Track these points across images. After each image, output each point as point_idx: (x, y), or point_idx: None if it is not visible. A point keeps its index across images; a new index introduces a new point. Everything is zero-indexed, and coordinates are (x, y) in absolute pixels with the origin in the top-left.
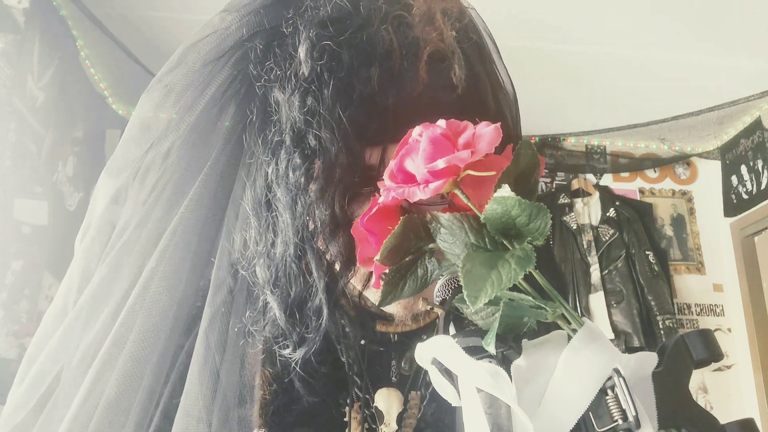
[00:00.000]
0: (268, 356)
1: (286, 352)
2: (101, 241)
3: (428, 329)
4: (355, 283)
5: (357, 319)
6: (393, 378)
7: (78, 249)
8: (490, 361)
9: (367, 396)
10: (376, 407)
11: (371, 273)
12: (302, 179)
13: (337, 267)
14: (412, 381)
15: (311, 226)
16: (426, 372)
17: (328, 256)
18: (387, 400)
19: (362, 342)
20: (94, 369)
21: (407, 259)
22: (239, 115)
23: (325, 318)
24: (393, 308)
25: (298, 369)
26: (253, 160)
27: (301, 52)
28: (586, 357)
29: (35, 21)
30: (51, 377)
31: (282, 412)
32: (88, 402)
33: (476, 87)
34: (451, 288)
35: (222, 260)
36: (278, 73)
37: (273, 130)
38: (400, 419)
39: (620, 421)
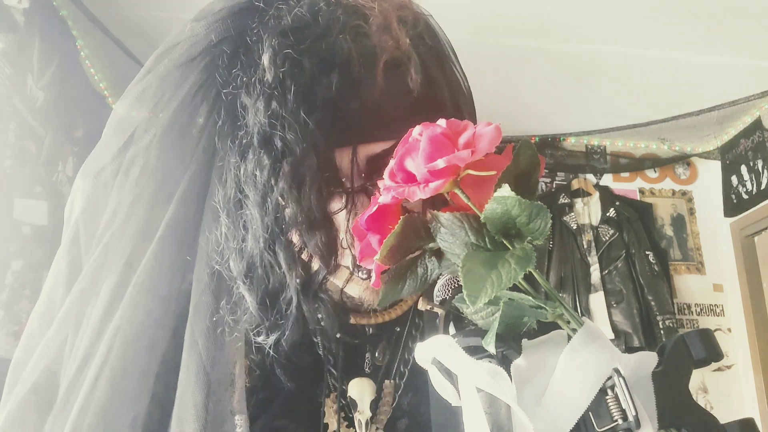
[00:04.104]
0: (250, 346)
1: (261, 338)
2: (83, 242)
3: (401, 321)
4: (337, 281)
5: (332, 313)
6: (366, 369)
7: (58, 253)
8: (490, 361)
9: (343, 387)
10: (349, 396)
11: (352, 270)
12: (270, 178)
13: (316, 263)
14: (385, 371)
15: (283, 223)
16: (400, 363)
17: (305, 254)
18: (359, 389)
19: (338, 335)
20: (87, 371)
21: (407, 258)
22: (210, 118)
23: (294, 305)
24: (361, 292)
25: (272, 353)
26: (223, 162)
27: (265, 59)
28: (586, 357)
29: (35, 21)
30: (43, 380)
31: (263, 403)
32: (82, 406)
33: (432, 88)
34: (451, 288)
35: (201, 257)
36: (244, 79)
37: (241, 133)
38: (374, 407)
39: (620, 421)
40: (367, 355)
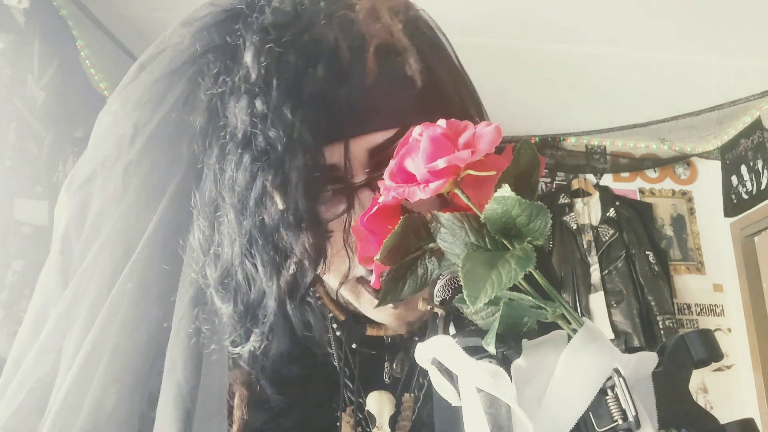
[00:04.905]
0: (255, 359)
1: (237, 350)
2: (63, 260)
3: (420, 330)
4: (332, 282)
5: (346, 324)
6: (386, 380)
7: (45, 269)
8: (490, 361)
9: (360, 400)
10: (368, 410)
11: (347, 271)
12: (250, 180)
13: (305, 264)
14: (405, 383)
15: (267, 225)
16: (419, 374)
17: (296, 254)
18: (378, 403)
19: (354, 346)
20: (70, 389)
21: (407, 258)
22: (196, 125)
23: (271, 312)
24: (386, 318)
25: (265, 363)
26: (202, 165)
27: (247, 57)
28: (586, 357)
29: (35, 21)
30: (31, 402)
31: (278, 418)
32: (67, 422)
33: (435, 82)
34: (451, 288)
35: (185, 275)
36: (227, 80)
37: (220, 135)
38: (393, 422)
39: (620, 421)
40: (386, 365)
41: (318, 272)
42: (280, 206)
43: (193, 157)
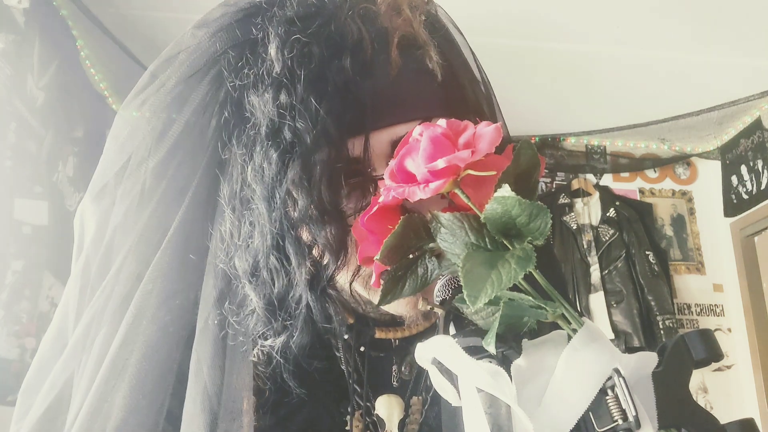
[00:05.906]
0: (269, 359)
1: (268, 342)
2: (84, 276)
3: (428, 333)
4: (344, 278)
5: (355, 327)
6: (394, 383)
7: (70, 280)
8: (490, 361)
9: (368, 404)
10: (377, 415)
11: (359, 266)
12: (278, 171)
13: (326, 257)
14: (413, 386)
15: (292, 217)
16: (427, 376)
17: (315, 250)
18: (388, 407)
19: (362, 349)
20: (97, 392)
21: (407, 258)
22: (218, 125)
23: (304, 305)
24: (401, 309)
25: (280, 359)
26: (228, 156)
27: (272, 50)
28: (586, 357)
29: (35, 21)
30: (56, 406)
31: (284, 422)
32: (95, 425)
33: (454, 76)
34: (451, 288)
35: (209, 281)
36: (251, 75)
37: (247, 127)
38: (402, 425)
39: (620, 421)
40: (394, 368)
41: (339, 264)
42: (306, 198)
43: (214, 153)
